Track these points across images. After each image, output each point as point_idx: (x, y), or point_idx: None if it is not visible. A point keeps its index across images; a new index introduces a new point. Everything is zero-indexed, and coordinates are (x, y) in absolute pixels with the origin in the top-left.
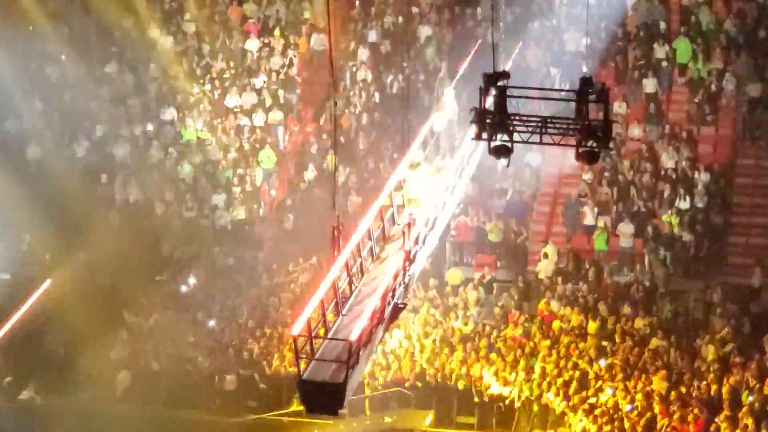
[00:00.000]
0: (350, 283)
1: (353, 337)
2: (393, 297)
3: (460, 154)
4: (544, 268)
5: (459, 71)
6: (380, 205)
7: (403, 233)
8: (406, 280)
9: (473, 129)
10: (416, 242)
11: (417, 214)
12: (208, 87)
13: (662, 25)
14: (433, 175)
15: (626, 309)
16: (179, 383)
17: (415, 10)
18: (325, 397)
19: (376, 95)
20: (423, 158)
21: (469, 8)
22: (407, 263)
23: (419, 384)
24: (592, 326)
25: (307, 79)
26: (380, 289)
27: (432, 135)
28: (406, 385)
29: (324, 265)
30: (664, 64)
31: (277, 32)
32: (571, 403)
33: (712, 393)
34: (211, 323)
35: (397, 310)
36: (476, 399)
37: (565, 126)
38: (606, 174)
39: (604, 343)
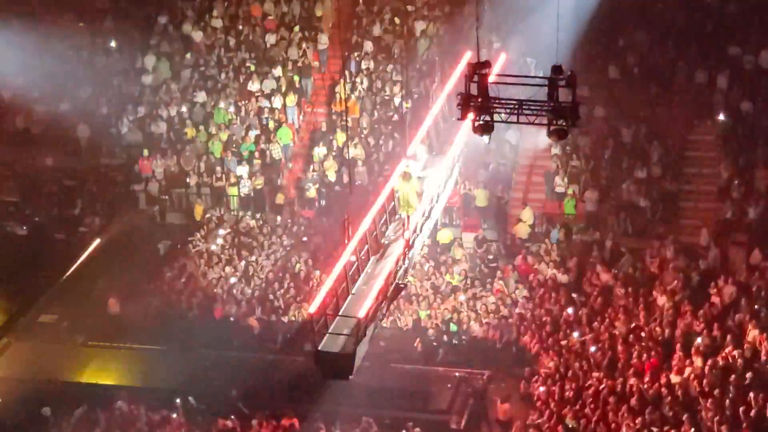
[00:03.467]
0: (358, 267)
1: (361, 314)
2: (395, 278)
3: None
4: (521, 230)
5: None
6: (383, 200)
7: (403, 224)
8: (406, 263)
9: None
10: (414, 231)
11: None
12: (233, 74)
13: (623, 20)
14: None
15: (592, 264)
16: (209, 327)
17: (410, 8)
18: (337, 365)
19: (378, 82)
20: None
21: (457, 7)
22: (407, 249)
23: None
24: (563, 279)
25: (319, 67)
26: (384, 272)
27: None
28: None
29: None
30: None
31: (296, 29)
32: (544, 345)
33: (665, 336)
34: (235, 278)
35: (398, 290)
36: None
37: (538, 108)
38: (570, 147)
39: (574, 294)
